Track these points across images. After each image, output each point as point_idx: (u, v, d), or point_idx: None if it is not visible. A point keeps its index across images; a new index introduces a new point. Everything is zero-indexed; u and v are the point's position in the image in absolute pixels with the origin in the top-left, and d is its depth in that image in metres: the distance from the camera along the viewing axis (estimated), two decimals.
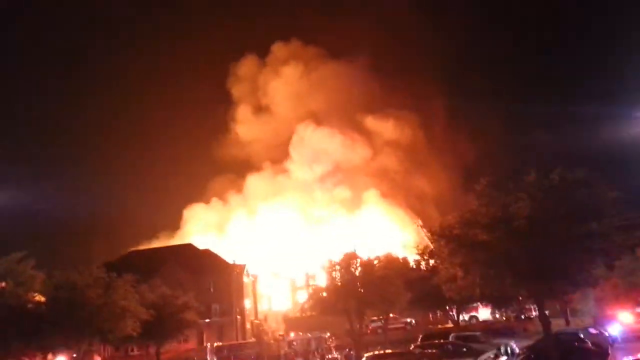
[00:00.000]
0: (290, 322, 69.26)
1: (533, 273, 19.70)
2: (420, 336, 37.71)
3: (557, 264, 19.28)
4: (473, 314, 59.61)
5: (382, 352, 28.47)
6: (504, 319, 60.85)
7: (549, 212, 19.35)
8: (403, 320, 61.87)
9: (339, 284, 22.20)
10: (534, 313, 58.61)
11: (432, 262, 34.35)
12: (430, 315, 60.02)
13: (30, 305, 27.55)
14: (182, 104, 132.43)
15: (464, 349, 32.77)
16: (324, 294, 22.78)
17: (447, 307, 40.79)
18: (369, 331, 61.30)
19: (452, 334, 37.67)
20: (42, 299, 27.90)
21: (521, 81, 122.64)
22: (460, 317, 62.67)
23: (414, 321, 62.42)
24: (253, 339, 56.13)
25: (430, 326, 54.04)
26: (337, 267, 23.92)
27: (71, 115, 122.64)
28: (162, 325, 35.06)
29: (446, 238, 21.43)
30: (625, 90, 70.76)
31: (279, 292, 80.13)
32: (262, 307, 76.19)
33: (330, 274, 23.44)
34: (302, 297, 38.87)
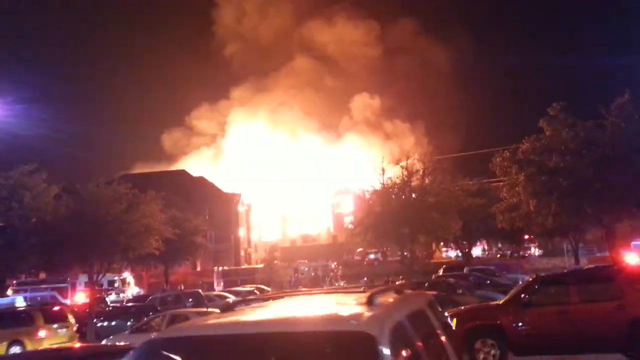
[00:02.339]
0: (282, 252, 69.16)
1: (610, 202, 18.86)
2: (443, 267, 37.61)
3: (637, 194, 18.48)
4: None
5: (416, 280, 27.88)
6: (498, 255, 61.84)
7: (635, 140, 18.27)
8: (399, 253, 62.21)
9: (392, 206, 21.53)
10: (530, 251, 59.84)
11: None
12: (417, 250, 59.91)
13: (48, 218, 25.59)
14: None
15: (487, 282, 32.89)
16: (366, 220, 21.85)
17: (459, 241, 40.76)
18: (365, 263, 61.63)
19: (465, 267, 37.73)
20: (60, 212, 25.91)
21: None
22: (453, 253, 63.18)
23: (408, 254, 62.85)
24: (248, 265, 55.91)
25: (442, 260, 53.99)
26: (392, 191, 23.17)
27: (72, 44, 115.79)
28: (177, 247, 33.86)
29: (519, 163, 20.20)
30: None
31: (269, 222, 79.49)
32: (253, 236, 75.61)
33: (384, 197, 22.47)
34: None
